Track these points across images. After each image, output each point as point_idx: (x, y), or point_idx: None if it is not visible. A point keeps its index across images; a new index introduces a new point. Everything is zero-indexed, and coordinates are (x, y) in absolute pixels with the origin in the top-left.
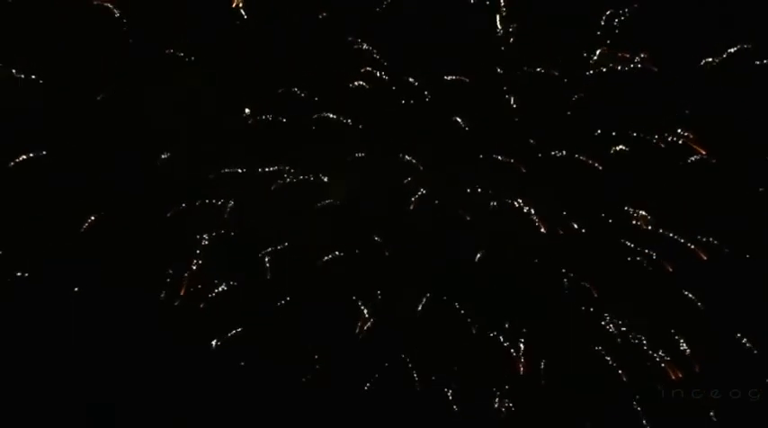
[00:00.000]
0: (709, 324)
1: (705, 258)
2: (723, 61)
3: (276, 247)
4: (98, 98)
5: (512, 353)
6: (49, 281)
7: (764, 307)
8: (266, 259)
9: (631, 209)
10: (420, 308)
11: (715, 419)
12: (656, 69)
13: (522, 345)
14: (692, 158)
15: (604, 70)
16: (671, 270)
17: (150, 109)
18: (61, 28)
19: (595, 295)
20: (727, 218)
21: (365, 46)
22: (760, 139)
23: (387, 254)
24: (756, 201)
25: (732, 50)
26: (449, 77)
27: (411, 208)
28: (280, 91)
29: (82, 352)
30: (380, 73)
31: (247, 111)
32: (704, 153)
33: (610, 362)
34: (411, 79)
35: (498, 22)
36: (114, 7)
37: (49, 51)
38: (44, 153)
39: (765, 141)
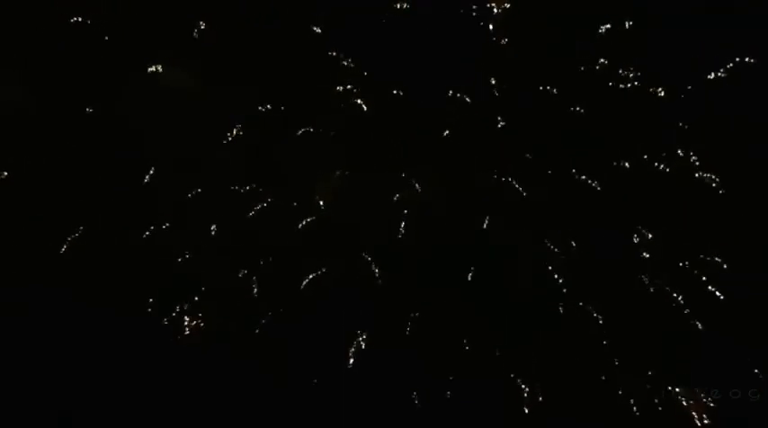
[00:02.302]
0: (710, 325)
1: (705, 278)
2: (727, 76)
3: (262, 263)
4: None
5: (510, 375)
6: (33, 299)
7: (764, 307)
8: (253, 277)
9: (635, 233)
10: (411, 327)
11: (715, 419)
12: (660, 90)
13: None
14: (695, 176)
15: (598, 90)
16: (672, 291)
17: (136, 126)
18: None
19: (596, 315)
20: (729, 233)
21: (350, 61)
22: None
23: (377, 272)
24: (760, 218)
25: (735, 65)
26: (444, 91)
27: (402, 227)
28: (267, 106)
29: (71, 366)
30: (371, 88)
31: (235, 130)
32: (715, 180)
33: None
34: (401, 92)
35: (492, 32)
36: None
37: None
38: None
39: None
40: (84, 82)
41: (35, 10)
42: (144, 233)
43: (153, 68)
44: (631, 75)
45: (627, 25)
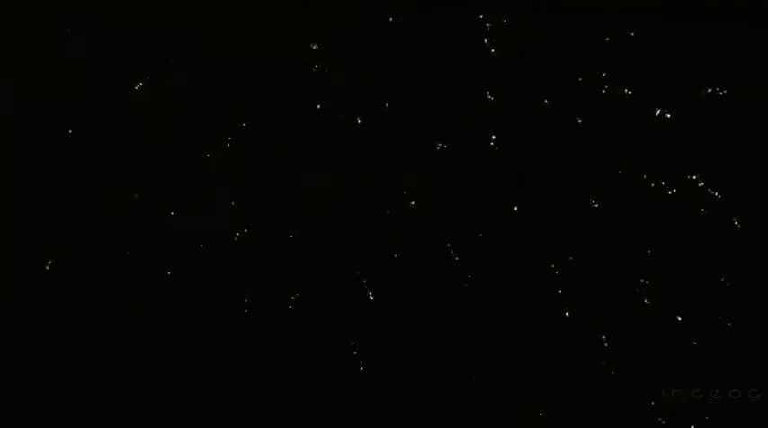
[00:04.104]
0: (709, 324)
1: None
2: (732, 95)
3: (253, 282)
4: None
5: (508, 380)
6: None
7: (764, 307)
8: (244, 299)
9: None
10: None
11: (715, 419)
12: (667, 113)
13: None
14: (699, 201)
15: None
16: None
17: (129, 132)
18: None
19: (602, 336)
20: (731, 255)
21: (337, 72)
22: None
23: (371, 296)
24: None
25: (741, 84)
26: (437, 107)
27: (396, 250)
28: (245, 124)
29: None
30: (365, 99)
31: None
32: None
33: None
34: (393, 106)
35: (486, 44)
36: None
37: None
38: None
39: None
40: (79, 87)
41: (33, 12)
42: (137, 239)
43: (144, 81)
44: (628, 91)
45: (626, 34)
